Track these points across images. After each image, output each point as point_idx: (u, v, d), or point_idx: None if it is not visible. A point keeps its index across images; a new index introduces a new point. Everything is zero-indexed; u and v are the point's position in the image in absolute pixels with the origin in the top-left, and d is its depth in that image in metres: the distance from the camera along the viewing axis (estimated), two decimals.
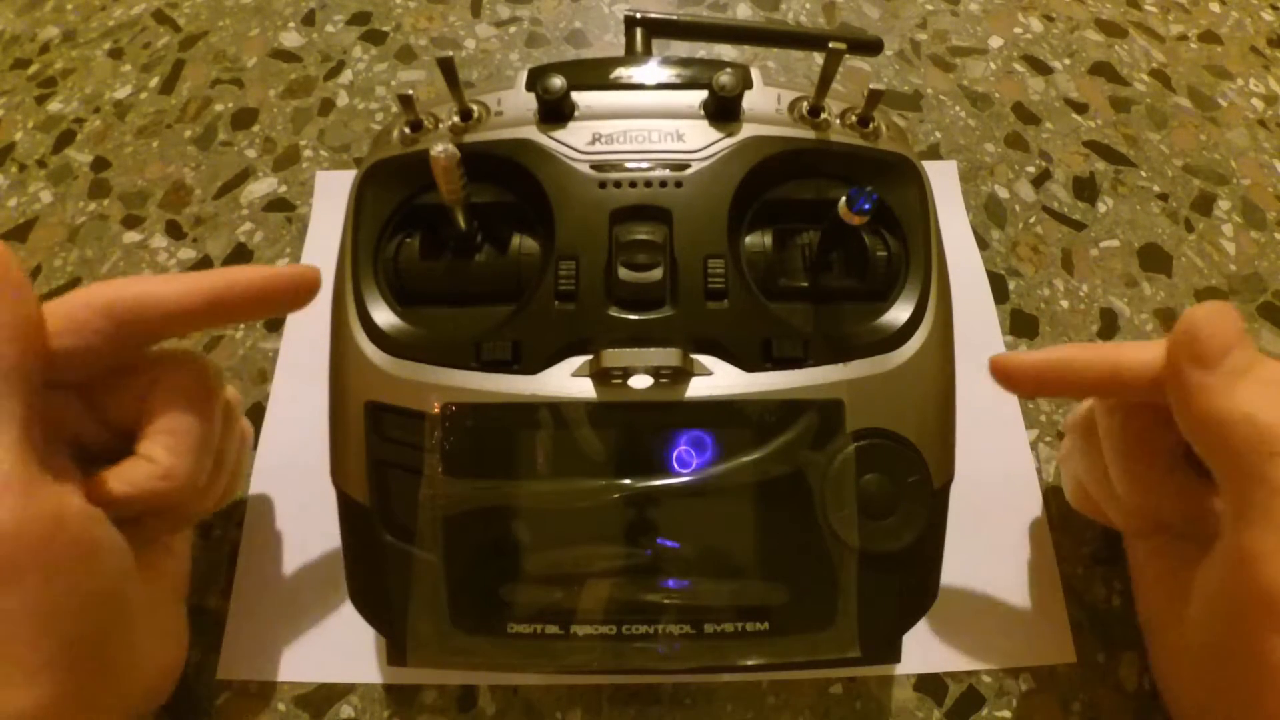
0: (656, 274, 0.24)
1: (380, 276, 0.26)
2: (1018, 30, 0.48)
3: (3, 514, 0.19)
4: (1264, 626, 0.21)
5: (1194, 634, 0.25)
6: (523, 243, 0.26)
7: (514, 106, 0.27)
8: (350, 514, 0.25)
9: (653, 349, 0.23)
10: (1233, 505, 0.22)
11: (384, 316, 0.25)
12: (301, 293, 0.26)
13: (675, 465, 0.24)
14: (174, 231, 0.40)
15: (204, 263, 0.39)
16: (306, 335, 0.36)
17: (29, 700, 0.20)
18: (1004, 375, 0.26)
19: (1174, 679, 0.28)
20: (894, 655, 0.27)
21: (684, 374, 0.24)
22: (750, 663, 0.24)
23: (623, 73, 0.27)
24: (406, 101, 0.25)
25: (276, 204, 0.41)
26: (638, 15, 0.32)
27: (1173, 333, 0.23)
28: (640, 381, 0.24)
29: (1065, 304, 0.38)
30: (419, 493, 0.24)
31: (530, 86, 0.26)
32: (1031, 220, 0.41)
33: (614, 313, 0.24)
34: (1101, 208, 0.41)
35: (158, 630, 0.26)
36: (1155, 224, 0.41)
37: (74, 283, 0.39)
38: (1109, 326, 0.38)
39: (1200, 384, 0.22)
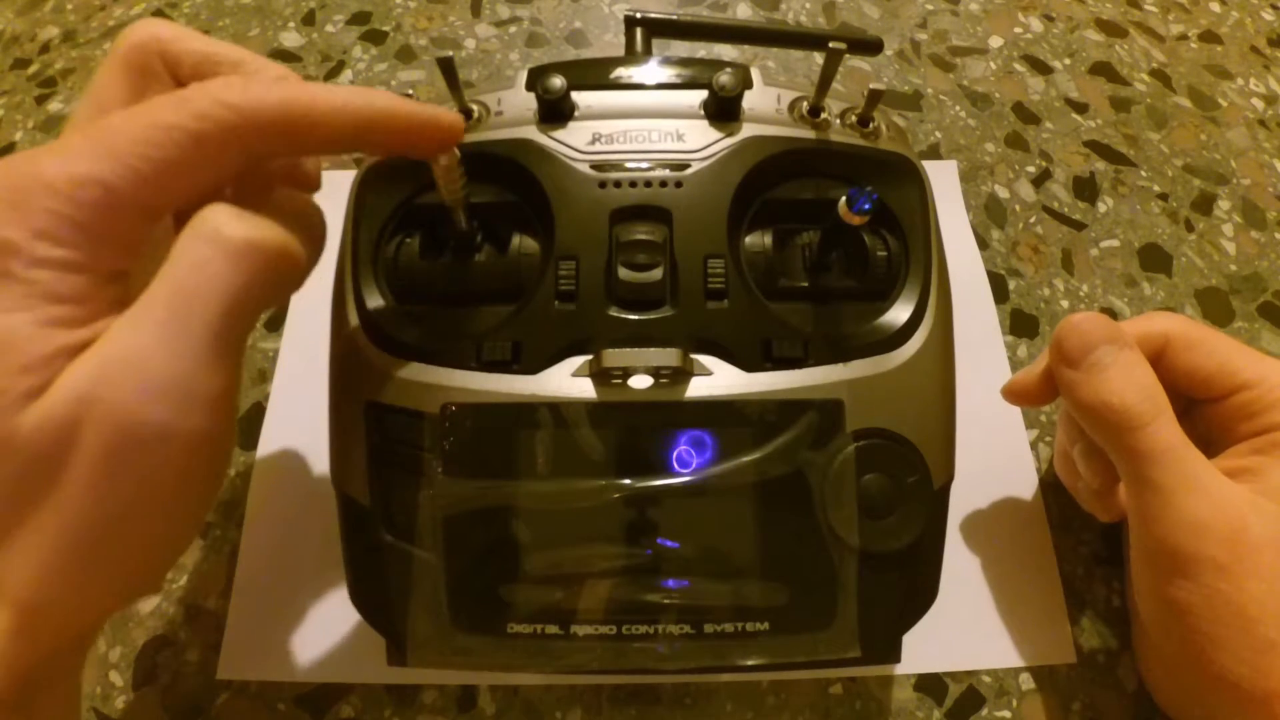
0: (656, 274, 0.24)
1: (380, 276, 0.26)
2: (1018, 30, 0.48)
3: (195, 422, 0.17)
4: (1166, 575, 0.25)
5: (1140, 607, 0.27)
6: (523, 243, 0.26)
7: (514, 106, 0.27)
8: (350, 514, 0.25)
9: (653, 349, 0.23)
10: (1124, 479, 0.26)
11: (384, 317, 0.25)
12: (442, 142, 0.23)
13: (675, 465, 0.24)
14: None
15: None
16: (306, 335, 0.36)
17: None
18: (1014, 396, 0.30)
19: (1142, 661, 0.29)
20: (894, 655, 0.27)
21: (684, 374, 0.24)
22: (750, 663, 0.24)
23: (623, 73, 0.27)
24: None
25: None
26: (638, 15, 0.32)
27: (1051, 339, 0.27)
28: (640, 381, 0.24)
29: (1065, 304, 0.38)
30: (419, 493, 0.24)
31: (530, 86, 0.26)
32: (1031, 220, 0.41)
33: (614, 313, 0.24)
34: (1101, 208, 0.41)
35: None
36: (1155, 224, 0.41)
37: None
38: None
39: (1070, 379, 0.26)
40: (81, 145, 0.17)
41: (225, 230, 0.18)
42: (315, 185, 0.25)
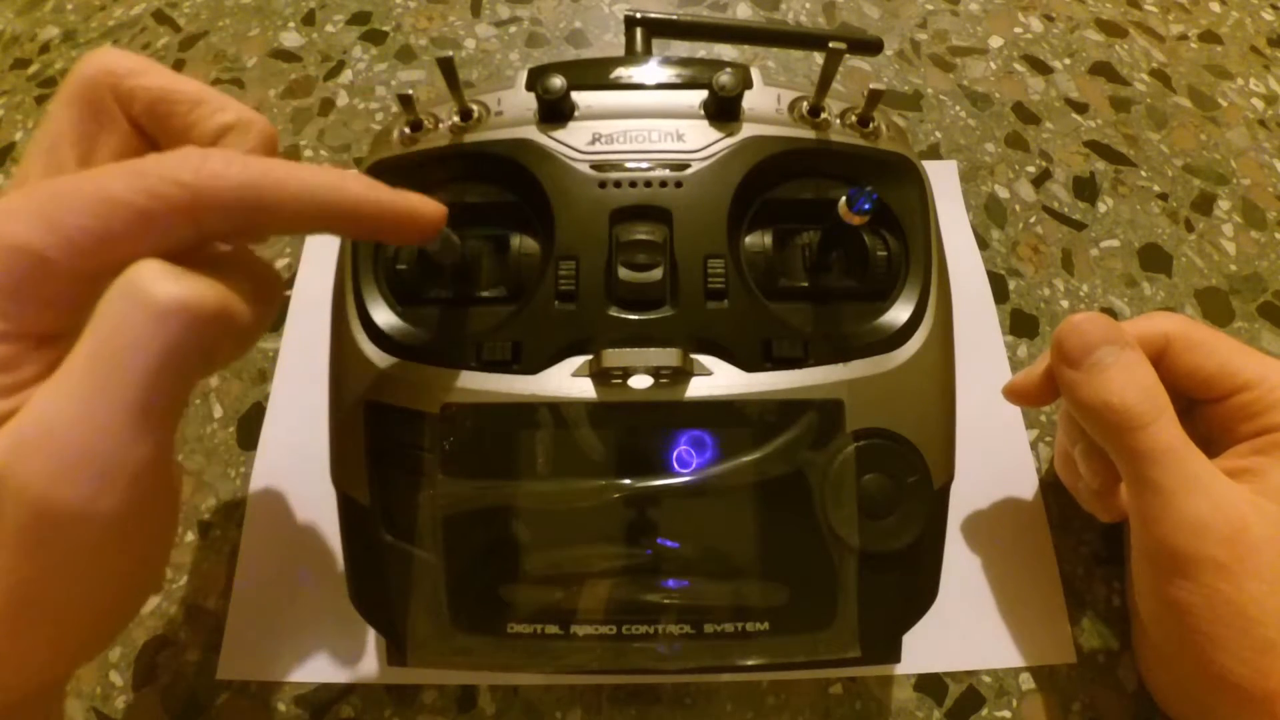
0: (656, 274, 0.24)
1: (380, 276, 0.26)
2: (1018, 30, 0.48)
3: (116, 499, 0.16)
4: (1166, 575, 0.25)
5: (1140, 607, 0.27)
6: (523, 243, 0.26)
7: (514, 106, 0.27)
8: (350, 514, 0.25)
9: (653, 349, 0.23)
10: (1124, 479, 0.26)
11: (384, 316, 0.25)
12: (422, 234, 0.21)
13: (675, 465, 0.24)
14: None
15: None
16: (306, 335, 0.36)
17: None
18: (1015, 396, 0.30)
19: (1142, 661, 0.29)
20: (894, 655, 0.27)
21: (684, 374, 0.24)
22: (750, 663, 0.24)
23: (623, 73, 0.27)
24: (406, 101, 0.25)
25: None
26: (638, 15, 0.32)
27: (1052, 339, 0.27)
28: (640, 381, 0.24)
29: (1065, 304, 0.38)
30: (419, 493, 0.24)
31: (530, 86, 0.26)
32: (1031, 220, 0.41)
33: (614, 313, 0.24)
34: (1101, 208, 0.41)
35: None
36: (1155, 224, 0.41)
37: None
38: None
39: (1071, 379, 0.26)
40: (21, 209, 0.16)
41: (151, 289, 0.16)
42: (262, 238, 0.23)
